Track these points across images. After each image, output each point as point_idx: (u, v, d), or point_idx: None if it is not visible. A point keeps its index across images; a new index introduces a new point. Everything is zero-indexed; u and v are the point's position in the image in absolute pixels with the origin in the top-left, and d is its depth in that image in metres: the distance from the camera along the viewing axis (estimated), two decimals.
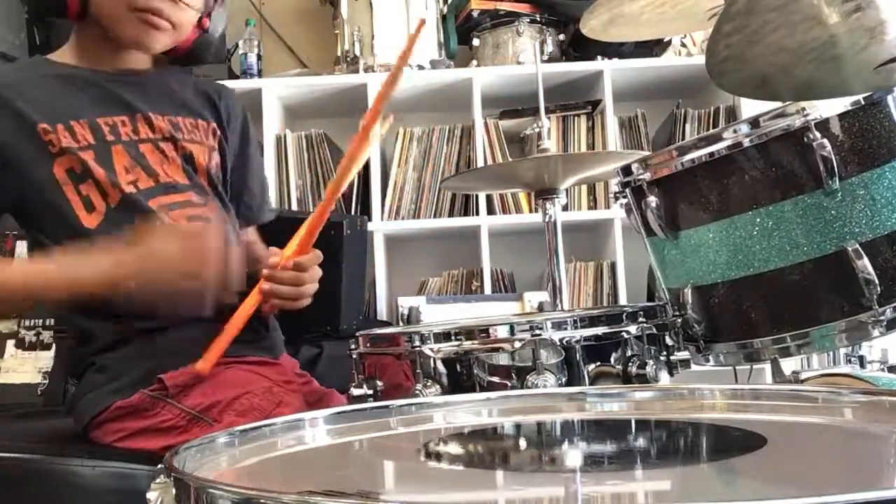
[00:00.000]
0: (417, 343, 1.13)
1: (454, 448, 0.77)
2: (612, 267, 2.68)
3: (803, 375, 1.41)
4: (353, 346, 1.22)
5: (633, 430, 0.81)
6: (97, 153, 1.28)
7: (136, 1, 1.27)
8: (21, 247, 2.16)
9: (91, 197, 1.27)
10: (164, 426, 1.20)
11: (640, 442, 0.77)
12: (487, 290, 2.62)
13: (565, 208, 2.21)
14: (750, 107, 2.45)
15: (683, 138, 2.66)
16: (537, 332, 1.10)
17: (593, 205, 2.72)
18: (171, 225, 1.28)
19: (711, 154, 1.18)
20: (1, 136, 1.24)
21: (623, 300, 2.63)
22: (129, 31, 1.30)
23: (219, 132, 1.45)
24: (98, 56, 1.35)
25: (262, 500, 0.48)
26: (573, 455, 0.74)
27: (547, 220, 1.75)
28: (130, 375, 1.23)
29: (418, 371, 1.12)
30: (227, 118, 1.48)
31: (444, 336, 1.13)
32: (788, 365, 1.41)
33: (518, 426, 0.85)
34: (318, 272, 1.32)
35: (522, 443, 0.81)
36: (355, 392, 1.18)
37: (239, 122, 1.51)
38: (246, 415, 1.17)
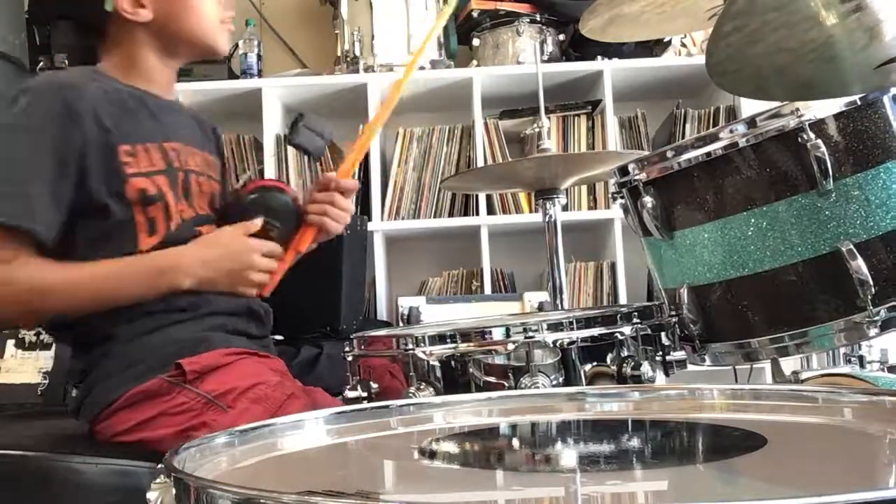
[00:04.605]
0: (410, 346, 1.13)
1: (454, 448, 0.77)
2: (612, 267, 2.68)
3: (803, 375, 1.41)
4: (347, 349, 1.23)
5: (633, 430, 0.81)
6: (169, 178, 1.32)
7: (224, 14, 1.41)
8: None
9: (156, 220, 1.30)
10: (179, 410, 1.21)
11: (640, 442, 0.77)
12: (487, 290, 2.62)
13: (565, 208, 2.21)
14: (750, 107, 2.45)
15: (684, 138, 2.66)
16: (531, 334, 1.09)
17: (593, 205, 2.72)
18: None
19: (706, 154, 1.18)
20: (88, 146, 1.25)
21: (623, 300, 2.63)
22: (220, 41, 1.42)
23: (220, 171, 1.52)
24: (135, 78, 1.39)
25: (262, 500, 0.48)
26: (573, 455, 0.74)
27: (547, 220, 1.75)
28: (147, 362, 1.24)
29: (411, 374, 1.12)
30: (222, 156, 1.57)
31: (437, 339, 1.13)
32: (788, 365, 1.41)
33: (518, 426, 0.85)
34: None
35: (522, 443, 0.81)
36: (350, 394, 1.17)
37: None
38: (259, 402, 1.19)
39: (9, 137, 1.26)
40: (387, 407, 0.89)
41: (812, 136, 1.12)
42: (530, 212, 2.67)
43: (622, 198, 1.31)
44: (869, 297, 1.11)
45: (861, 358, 1.62)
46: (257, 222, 1.35)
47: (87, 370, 1.29)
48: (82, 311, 1.25)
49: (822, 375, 1.40)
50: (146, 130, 1.33)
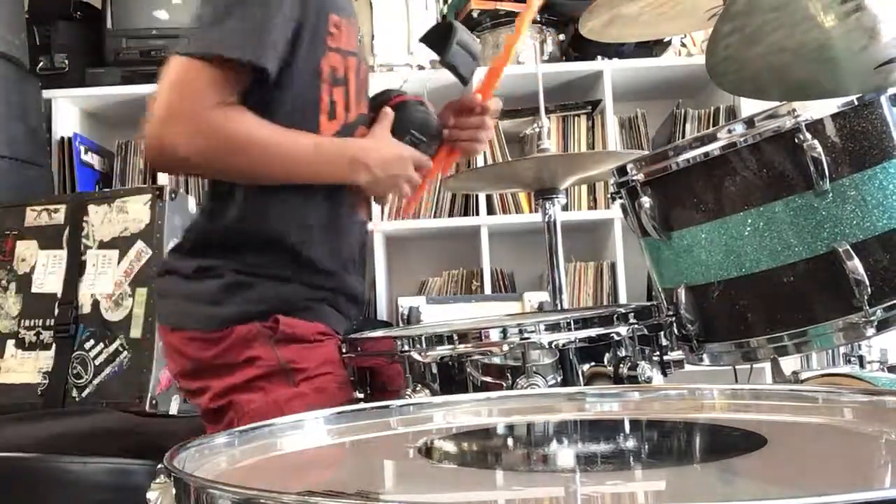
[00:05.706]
0: (406, 347, 1.12)
1: (454, 448, 0.77)
2: (612, 267, 2.68)
3: (803, 375, 1.41)
4: (343, 350, 1.22)
5: (633, 430, 0.81)
6: (356, 63, 1.26)
7: None
8: (21, 247, 2.16)
9: (337, 104, 1.23)
10: (253, 363, 1.18)
11: (640, 442, 0.77)
12: (487, 290, 2.62)
13: (565, 208, 2.21)
14: (750, 107, 2.45)
15: (684, 138, 2.66)
16: (527, 335, 1.09)
17: (593, 205, 2.72)
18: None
19: (703, 155, 1.18)
20: (308, 4, 1.17)
21: (623, 300, 2.63)
22: None
23: None
24: None
25: (262, 500, 0.48)
26: (573, 455, 0.74)
27: (547, 220, 1.75)
28: (252, 304, 1.20)
29: (407, 375, 1.12)
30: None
31: (433, 340, 1.12)
32: (788, 365, 1.41)
33: (518, 426, 0.86)
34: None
35: (522, 443, 0.81)
36: None
37: None
38: (321, 393, 1.17)
39: None
40: (387, 407, 0.89)
41: (808, 136, 1.12)
42: (530, 212, 2.67)
43: (621, 198, 1.31)
44: (865, 297, 1.11)
45: (861, 358, 1.62)
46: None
47: (203, 270, 1.23)
48: (268, 175, 1.19)
49: (822, 375, 1.40)
50: (347, 3, 1.25)
